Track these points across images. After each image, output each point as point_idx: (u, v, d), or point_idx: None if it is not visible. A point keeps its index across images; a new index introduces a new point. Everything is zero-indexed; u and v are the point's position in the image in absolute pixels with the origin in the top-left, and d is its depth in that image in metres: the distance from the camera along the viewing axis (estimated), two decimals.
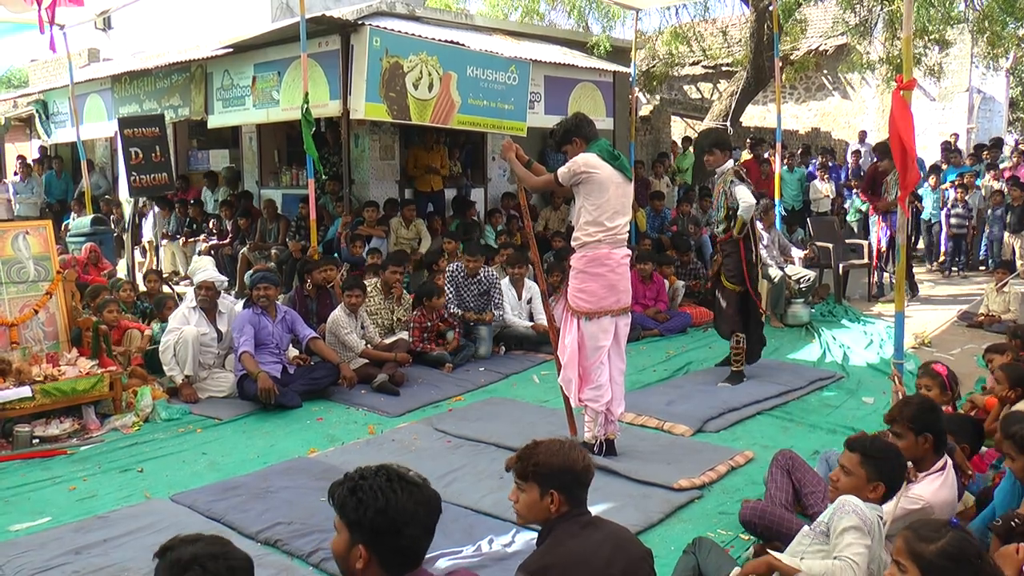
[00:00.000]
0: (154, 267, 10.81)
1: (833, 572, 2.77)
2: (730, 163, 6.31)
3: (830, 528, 2.90)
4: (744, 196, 6.09)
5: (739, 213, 6.12)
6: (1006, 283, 8.63)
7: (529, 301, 8.01)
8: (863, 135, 17.69)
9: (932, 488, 3.24)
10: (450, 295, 7.64)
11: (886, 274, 9.91)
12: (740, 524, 3.69)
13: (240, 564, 1.94)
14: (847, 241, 10.63)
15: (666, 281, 8.94)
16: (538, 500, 2.62)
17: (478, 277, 7.73)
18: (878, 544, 2.85)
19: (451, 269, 7.88)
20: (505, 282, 8.03)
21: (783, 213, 10.78)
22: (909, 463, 3.27)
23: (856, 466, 3.01)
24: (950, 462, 3.37)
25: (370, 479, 2.03)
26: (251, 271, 8.73)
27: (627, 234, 4.77)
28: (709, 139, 6.37)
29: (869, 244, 10.19)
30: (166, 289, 8.66)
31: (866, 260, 10.20)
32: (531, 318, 7.94)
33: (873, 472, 2.98)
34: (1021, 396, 4.29)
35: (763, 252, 7.68)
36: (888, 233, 9.44)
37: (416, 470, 2.14)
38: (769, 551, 3.09)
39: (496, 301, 7.77)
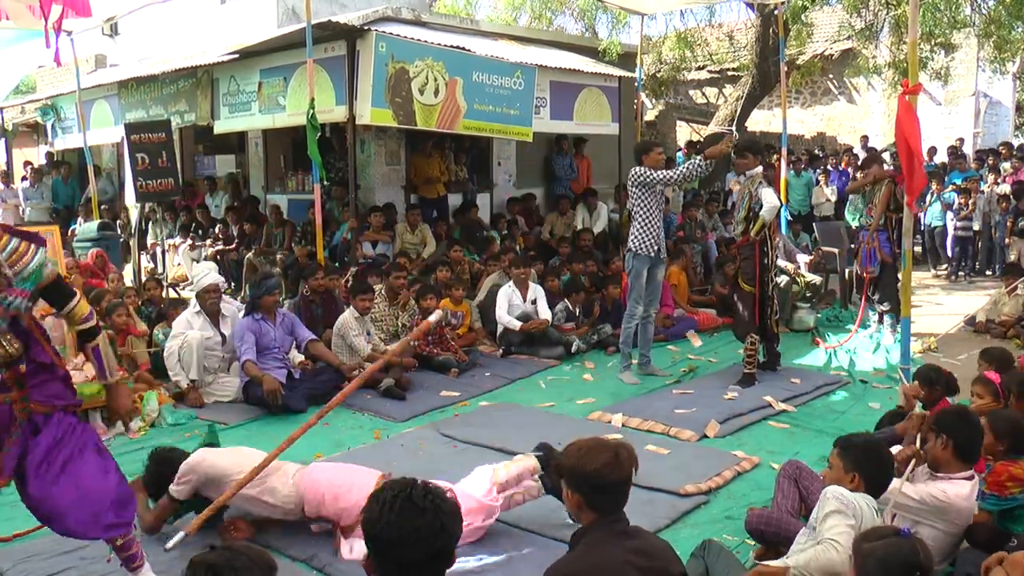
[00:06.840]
0: (155, 273, 10.80)
1: (816, 556, 2.83)
2: (759, 168, 6.51)
3: (817, 520, 2.96)
4: (769, 198, 6.28)
5: (762, 213, 6.27)
6: (1015, 286, 8.57)
7: (534, 302, 7.97)
8: (865, 140, 17.64)
9: (958, 491, 3.27)
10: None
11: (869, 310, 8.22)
12: (746, 532, 3.68)
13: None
14: (852, 246, 10.58)
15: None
16: (571, 500, 2.57)
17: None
18: (871, 525, 2.87)
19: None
20: (509, 285, 8.02)
21: (789, 218, 10.75)
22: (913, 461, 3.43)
23: (835, 459, 3.21)
24: (976, 476, 3.38)
25: (385, 497, 2.05)
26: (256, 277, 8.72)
27: None
28: (744, 143, 6.67)
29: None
30: (171, 294, 8.68)
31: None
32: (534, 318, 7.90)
33: (849, 464, 3.14)
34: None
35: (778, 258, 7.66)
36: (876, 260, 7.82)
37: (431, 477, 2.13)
38: (758, 562, 3.14)
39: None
